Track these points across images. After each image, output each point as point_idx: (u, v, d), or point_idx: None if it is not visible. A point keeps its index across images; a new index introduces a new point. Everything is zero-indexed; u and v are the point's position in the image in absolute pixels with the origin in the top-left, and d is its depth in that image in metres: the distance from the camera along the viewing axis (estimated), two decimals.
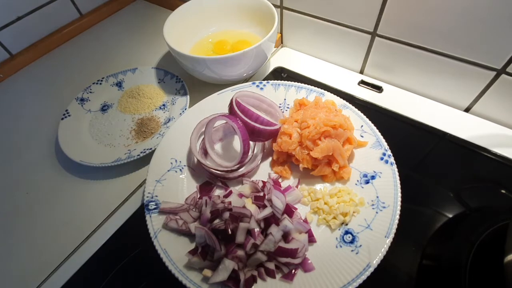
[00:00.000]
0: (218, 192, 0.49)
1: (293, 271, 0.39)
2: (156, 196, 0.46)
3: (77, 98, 0.64)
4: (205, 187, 0.48)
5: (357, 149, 0.49)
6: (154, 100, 0.64)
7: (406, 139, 0.54)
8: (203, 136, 0.51)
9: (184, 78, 0.64)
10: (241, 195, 0.45)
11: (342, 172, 0.47)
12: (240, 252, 0.38)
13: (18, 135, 0.64)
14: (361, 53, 0.63)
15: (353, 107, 0.53)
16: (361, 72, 0.66)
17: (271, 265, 0.39)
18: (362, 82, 0.64)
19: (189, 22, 0.67)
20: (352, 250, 0.40)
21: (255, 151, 0.51)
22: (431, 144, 0.53)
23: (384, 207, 0.42)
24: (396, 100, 0.60)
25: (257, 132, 0.49)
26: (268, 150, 0.52)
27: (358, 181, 0.47)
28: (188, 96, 0.62)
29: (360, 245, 0.40)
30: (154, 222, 0.43)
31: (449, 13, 0.48)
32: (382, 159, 0.47)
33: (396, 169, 0.45)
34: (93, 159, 0.53)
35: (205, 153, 0.51)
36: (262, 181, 0.47)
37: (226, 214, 0.40)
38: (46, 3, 0.77)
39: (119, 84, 0.67)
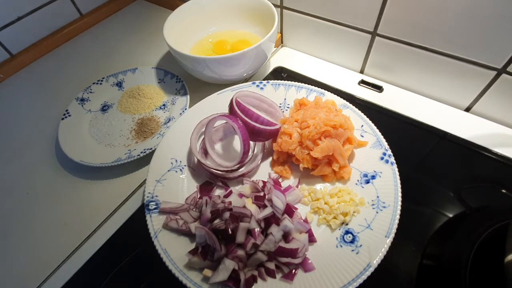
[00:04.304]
0: (218, 192, 0.49)
1: (294, 271, 0.39)
2: (157, 196, 0.46)
3: (77, 98, 0.64)
4: (205, 187, 0.48)
5: (358, 149, 0.49)
6: (154, 100, 0.64)
7: (407, 138, 0.54)
8: (203, 136, 0.51)
9: (184, 78, 0.64)
10: (241, 195, 0.44)
11: (343, 172, 0.47)
12: (241, 252, 0.38)
13: (18, 135, 0.64)
14: (361, 53, 0.63)
15: (354, 107, 0.53)
16: (361, 71, 0.66)
17: (271, 265, 0.39)
18: (362, 82, 0.64)
19: (189, 22, 0.67)
20: (352, 250, 0.40)
21: (255, 151, 0.51)
22: (432, 144, 0.53)
23: (384, 207, 0.42)
24: (397, 99, 0.60)
25: (257, 132, 0.48)
26: (268, 150, 0.52)
27: (358, 181, 0.47)
28: (188, 96, 0.62)
29: (361, 245, 0.40)
30: (155, 222, 0.43)
31: (449, 12, 0.48)
32: (382, 158, 0.47)
33: (396, 169, 0.45)
34: (93, 159, 0.53)
35: (205, 153, 0.51)
36: (262, 181, 0.47)
37: (226, 214, 0.40)
38: (46, 3, 0.77)
39: (119, 84, 0.67)
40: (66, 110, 0.61)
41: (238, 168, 0.49)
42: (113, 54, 0.78)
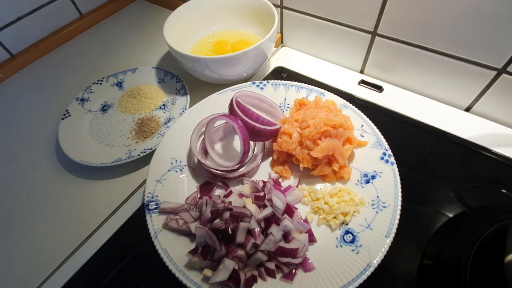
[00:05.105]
0: (218, 192, 0.49)
1: (294, 271, 0.39)
2: (157, 196, 0.46)
3: (77, 98, 0.64)
4: (206, 187, 0.48)
5: (358, 149, 0.49)
6: (154, 100, 0.64)
7: (407, 138, 0.54)
8: (203, 136, 0.51)
9: (184, 78, 0.64)
10: (241, 195, 0.45)
11: (343, 172, 0.47)
12: (241, 252, 0.38)
13: (18, 135, 0.64)
14: (362, 53, 0.63)
15: (354, 107, 0.53)
16: (362, 71, 0.66)
17: (271, 265, 0.39)
18: (363, 82, 0.64)
19: (189, 22, 0.67)
20: (352, 250, 0.40)
21: (255, 151, 0.51)
22: (432, 144, 0.53)
23: (384, 207, 0.42)
24: (397, 99, 0.60)
25: (258, 132, 0.48)
26: (268, 150, 0.52)
27: (358, 180, 0.47)
28: (188, 96, 0.62)
29: (361, 245, 0.40)
30: (155, 222, 0.43)
31: (450, 12, 0.48)
32: (382, 158, 0.47)
33: (396, 169, 0.45)
34: (93, 159, 0.53)
35: (205, 153, 0.51)
36: (263, 181, 0.47)
37: (227, 214, 0.40)
38: (46, 3, 0.77)
39: (119, 84, 0.67)
40: (66, 110, 0.61)
41: (238, 168, 0.49)
42: (113, 54, 0.78)
